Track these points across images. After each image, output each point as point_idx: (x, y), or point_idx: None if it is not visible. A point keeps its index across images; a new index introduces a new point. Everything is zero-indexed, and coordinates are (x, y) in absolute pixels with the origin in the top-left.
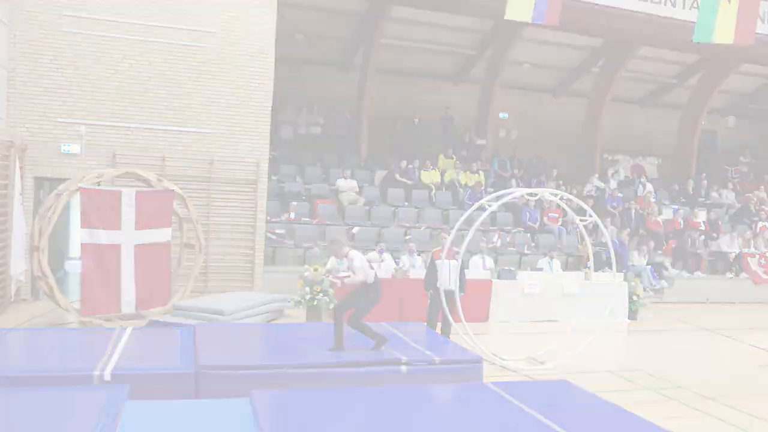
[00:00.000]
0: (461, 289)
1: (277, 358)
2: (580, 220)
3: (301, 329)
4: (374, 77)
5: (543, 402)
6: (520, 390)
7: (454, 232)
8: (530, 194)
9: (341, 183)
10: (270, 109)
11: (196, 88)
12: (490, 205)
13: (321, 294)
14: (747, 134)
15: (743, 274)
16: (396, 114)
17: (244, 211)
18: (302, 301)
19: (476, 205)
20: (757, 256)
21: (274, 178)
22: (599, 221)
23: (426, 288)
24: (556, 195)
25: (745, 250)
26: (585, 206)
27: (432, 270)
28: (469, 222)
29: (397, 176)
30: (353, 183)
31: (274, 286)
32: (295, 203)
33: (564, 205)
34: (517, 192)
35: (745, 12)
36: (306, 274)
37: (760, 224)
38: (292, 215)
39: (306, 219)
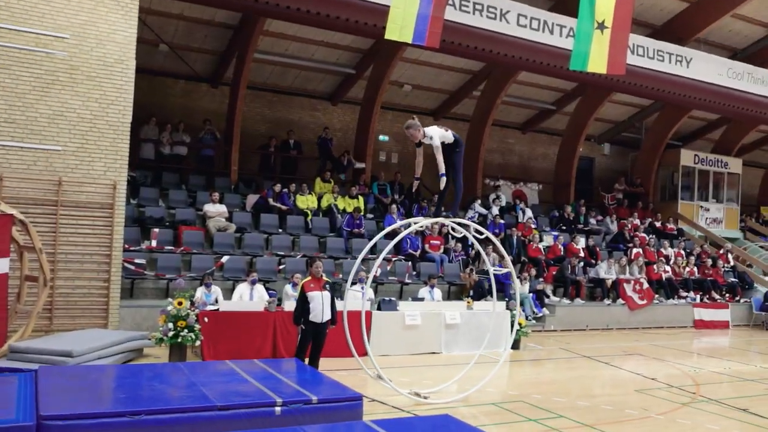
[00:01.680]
0: (332, 321)
1: (134, 403)
2: (495, 271)
3: (163, 370)
4: (246, 94)
5: None
6: (401, 427)
7: (359, 260)
8: (453, 229)
9: (209, 208)
10: (129, 125)
11: (42, 100)
12: (415, 224)
13: (186, 330)
14: (620, 161)
15: (620, 300)
16: (270, 134)
17: (98, 238)
18: (164, 338)
19: (401, 223)
20: (632, 281)
21: (133, 201)
22: (510, 265)
23: (296, 322)
24: (481, 234)
25: (621, 276)
26: (495, 241)
27: (302, 302)
28: (335, 250)
29: (271, 201)
30: (222, 208)
31: (133, 322)
32: (156, 230)
33: (475, 241)
34: (429, 221)
35: (616, 43)
36: (169, 308)
37: (634, 250)
38: (154, 243)
39: (169, 247)
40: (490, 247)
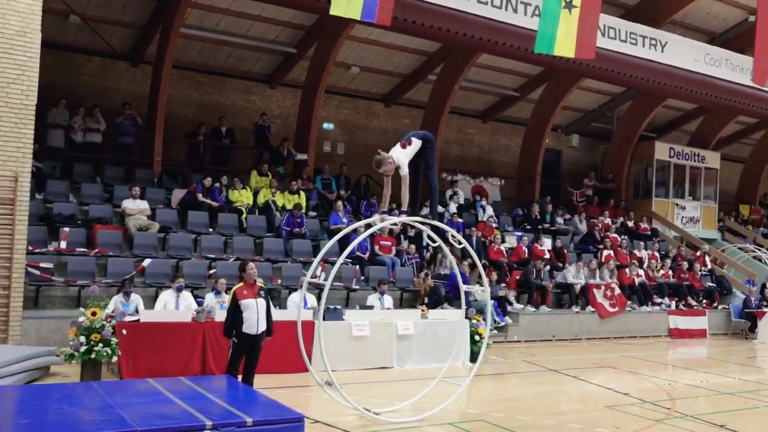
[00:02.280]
0: (268, 331)
1: (39, 430)
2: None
3: (73, 391)
4: (171, 74)
5: None
6: None
7: (315, 264)
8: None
9: (128, 204)
10: (34, 108)
11: None
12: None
13: (101, 344)
14: (591, 154)
15: (589, 308)
16: (199, 120)
17: None
18: (76, 354)
19: (365, 221)
20: (603, 287)
21: (38, 196)
22: (485, 283)
23: (226, 333)
24: (459, 243)
25: (591, 281)
26: (475, 258)
27: (234, 311)
28: (272, 252)
29: (200, 196)
30: (143, 204)
31: (38, 335)
32: (66, 229)
33: (449, 250)
34: (403, 220)
35: (585, 24)
36: (81, 319)
37: (605, 252)
38: (63, 244)
39: (81, 249)
40: (447, 249)
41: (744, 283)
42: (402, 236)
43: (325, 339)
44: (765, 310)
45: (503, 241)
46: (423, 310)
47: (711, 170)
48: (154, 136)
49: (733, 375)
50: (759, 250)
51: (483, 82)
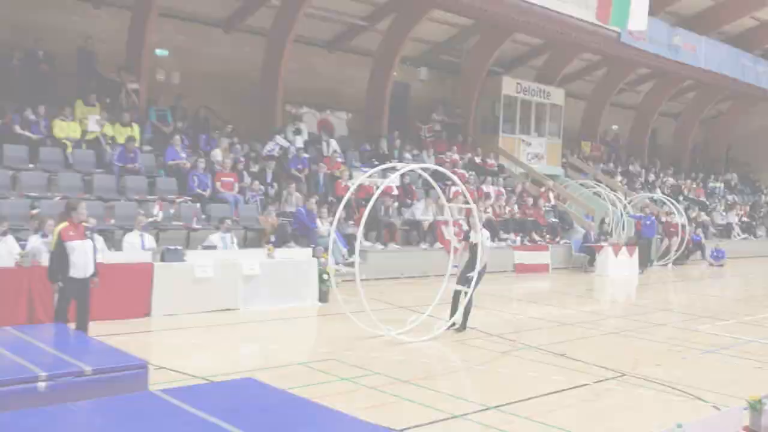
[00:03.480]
0: (94, 273)
1: None
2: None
3: None
4: None
5: (224, 405)
6: (195, 395)
7: (271, 210)
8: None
9: None
10: None
11: None
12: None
13: None
14: (440, 88)
15: (437, 244)
16: (12, 43)
17: None
18: None
19: (367, 172)
20: (451, 223)
21: None
22: (477, 218)
23: (52, 278)
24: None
25: (439, 218)
26: (475, 212)
27: (61, 254)
28: (104, 190)
29: (18, 128)
30: None
31: None
32: None
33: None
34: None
35: None
36: None
37: (453, 189)
38: None
39: None
40: (293, 185)
41: (584, 218)
42: (245, 172)
43: (165, 281)
44: (603, 244)
45: (351, 177)
46: (269, 249)
47: (556, 107)
48: None
49: (572, 307)
50: (599, 185)
51: (329, 9)
